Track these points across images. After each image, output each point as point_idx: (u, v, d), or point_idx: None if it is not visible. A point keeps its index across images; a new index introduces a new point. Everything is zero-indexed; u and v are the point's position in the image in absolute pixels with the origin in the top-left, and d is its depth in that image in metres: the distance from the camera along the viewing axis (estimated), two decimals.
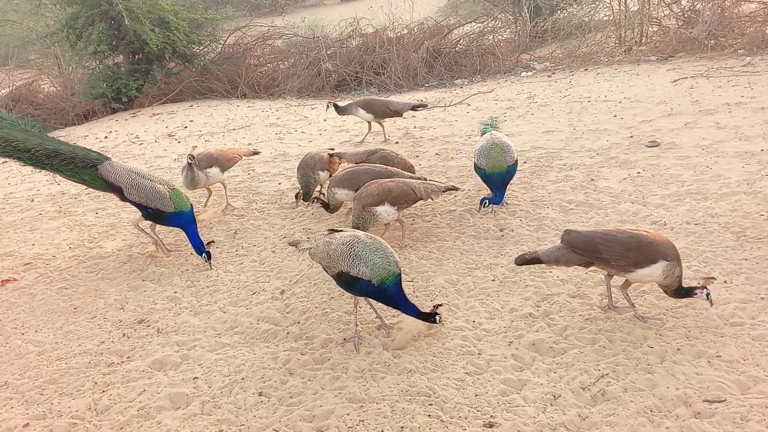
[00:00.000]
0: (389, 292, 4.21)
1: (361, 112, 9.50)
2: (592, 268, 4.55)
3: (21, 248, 6.83)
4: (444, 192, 6.01)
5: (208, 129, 12.25)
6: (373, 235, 4.44)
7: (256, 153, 8.59)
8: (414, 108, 9.66)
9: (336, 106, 9.73)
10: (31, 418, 3.98)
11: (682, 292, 4.25)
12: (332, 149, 7.43)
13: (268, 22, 18.98)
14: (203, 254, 5.83)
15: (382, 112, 9.51)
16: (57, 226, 7.44)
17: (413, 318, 4.34)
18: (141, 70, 15.58)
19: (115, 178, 5.91)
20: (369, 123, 9.80)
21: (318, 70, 15.72)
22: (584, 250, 4.29)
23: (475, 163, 6.33)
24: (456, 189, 6.19)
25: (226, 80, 16.16)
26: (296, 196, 6.96)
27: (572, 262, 4.41)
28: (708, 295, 4.19)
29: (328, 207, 6.35)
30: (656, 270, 4.14)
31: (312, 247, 4.58)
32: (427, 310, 4.34)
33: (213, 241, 6.01)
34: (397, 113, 9.58)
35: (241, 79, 16.01)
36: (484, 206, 6.13)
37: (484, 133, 6.69)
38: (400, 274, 4.27)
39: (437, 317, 4.31)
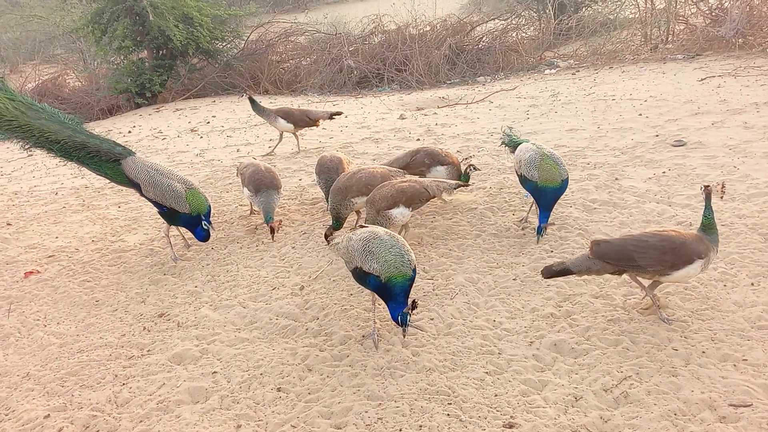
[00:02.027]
0: (393, 291, 4.11)
1: (281, 122, 9.26)
2: (624, 275, 4.41)
3: (44, 241, 6.91)
4: (456, 189, 6.00)
5: (230, 124, 12.31)
6: (393, 233, 4.39)
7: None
8: (331, 116, 9.52)
9: (253, 101, 9.47)
10: (52, 409, 4.01)
11: None
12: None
13: (291, 18, 19.05)
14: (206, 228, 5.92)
15: (302, 122, 9.34)
16: (80, 220, 7.51)
17: None
18: (165, 65, 15.71)
19: (135, 174, 5.91)
20: (281, 133, 9.59)
21: (340, 66, 15.73)
22: (618, 260, 4.16)
23: (522, 175, 5.76)
24: (467, 185, 6.29)
25: (249, 76, 16.23)
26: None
27: (604, 272, 4.28)
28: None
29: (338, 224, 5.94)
30: (693, 270, 4.11)
31: (338, 242, 4.58)
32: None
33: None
34: (315, 122, 9.43)
35: (263, 75, 16.06)
36: (541, 235, 5.52)
37: (515, 144, 6.24)
38: (412, 279, 4.17)
39: (401, 317, 4.04)
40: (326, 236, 5.88)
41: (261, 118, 9.78)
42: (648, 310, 4.41)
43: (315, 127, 9.97)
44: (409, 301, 4.08)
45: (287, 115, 9.31)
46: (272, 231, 6.14)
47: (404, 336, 4.25)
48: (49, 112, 6.05)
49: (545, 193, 5.52)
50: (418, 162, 6.53)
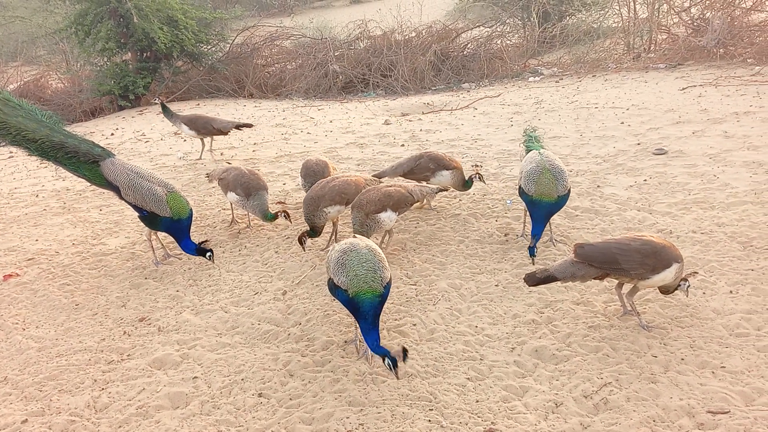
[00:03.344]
0: (360, 307, 3.95)
1: (185, 128, 9.37)
2: (606, 279, 4.42)
3: (24, 243, 6.83)
4: (437, 193, 6.10)
5: None
6: (374, 248, 4.26)
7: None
8: (238, 126, 9.55)
9: (164, 107, 9.54)
10: (30, 414, 3.96)
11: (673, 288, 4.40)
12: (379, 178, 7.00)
13: (277, 22, 18.99)
14: (207, 253, 5.70)
15: (205, 129, 9.41)
16: (61, 222, 7.43)
17: None
18: (149, 68, 15.61)
19: (114, 176, 5.79)
20: (202, 140, 9.76)
21: (325, 71, 15.73)
22: (602, 262, 4.18)
23: (520, 186, 5.65)
24: (447, 189, 6.43)
25: (234, 80, 16.18)
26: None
27: (589, 276, 4.27)
28: (687, 287, 4.36)
29: (314, 233, 5.82)
30: (670, 273, 4.17)
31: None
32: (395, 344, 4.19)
33: (207, 240, 5.86)
34: (220, 131, 9.48)
35: (248, 78, 16.02)
36: (534, 255, 5.26)
37: (529, 150, 6.08)
38: (383, 296, 4.02)
39: (389, 362, 3.72)
40: (300, 240, 5.67)
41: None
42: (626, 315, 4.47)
43: (223, 136, 9.94)
44: (400, 348, 3.73)
45: (191, 121, 9.39)
46: (287, 216, 6.24)
47: (398, 378, 3.87)
48: (26, 109, 5.92)
49: (539, 206, 5.43)
50: (422, 167, 6.48)
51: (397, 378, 3.86)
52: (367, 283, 3.98)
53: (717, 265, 5.06)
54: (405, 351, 3.72)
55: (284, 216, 6.22)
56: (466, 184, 6.55)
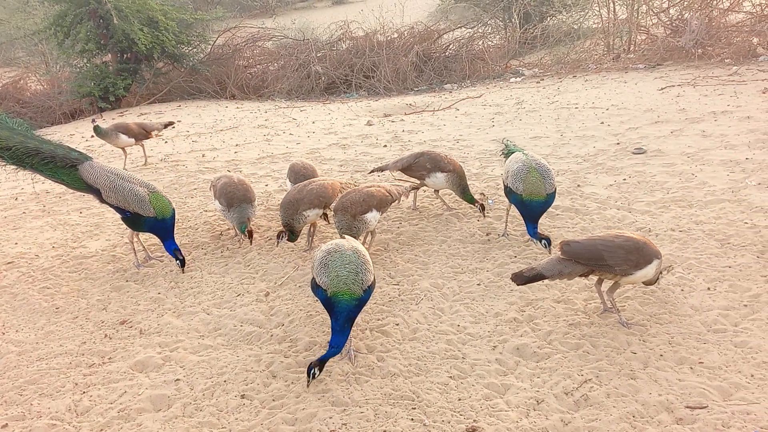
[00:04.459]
0: (335, 308, 3.97)
1: (122, 137, 9.25)
2: (591, 276, 4.49)
3: (3, 247, 6.75)
4: (410, 191, 6.26)
5: (195, 129, 12.20)
6: (360, 250, 4.27)
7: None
8: (165, 126, 9.91)
9: (96, 129, 9.29)
10: (10, 419, 3.92)
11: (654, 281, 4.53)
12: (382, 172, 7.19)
13: (259, 23, 18.97)
14: (177, 260, 5.70)
15: (141, 135, 9.42)
16: (40, 225, 7.37)
17: None
18: (129, 69, 15.51)
19: (94, 179, 5.73)
20: (124, 149, 9.67)
21: (308, 72, 15.74)
22: (588, 259, 4.23)
23: (507, 186, 5.67)
24: (419, 188, 6.57)
25: (215, 81, 16.14)
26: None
27: (575, 274, 4.31)
28: (659, 278, 4.55)
29: (293, 235, 5.83)
30: (651, 269, 4.26)
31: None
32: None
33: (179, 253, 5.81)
34: (150, 134, 9.53)
35: (230, 80, 15.99)
36: (549, 247, 5.33)
37: (510, 153, 6.12)
38: (361, 300, 4.03)
39: (313, 372, 3.87)
40: (278, 235, 5.75)
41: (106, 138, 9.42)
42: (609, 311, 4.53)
43: (149, 139, 9.84)
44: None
45: (126, 129, 9.31)
46: (250, 235, 6.03)
47: (307, 385, 3.97)
48: None
49: (531, 206, 5.45)
50: (420, 165, 6.46)
51: (307, 385, 3.95)
52: (346, 285, 3.99)
53: (695, 262, 5.13)
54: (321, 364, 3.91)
55: (246, 235, 6.03)
56: (465, 194, 6.37)
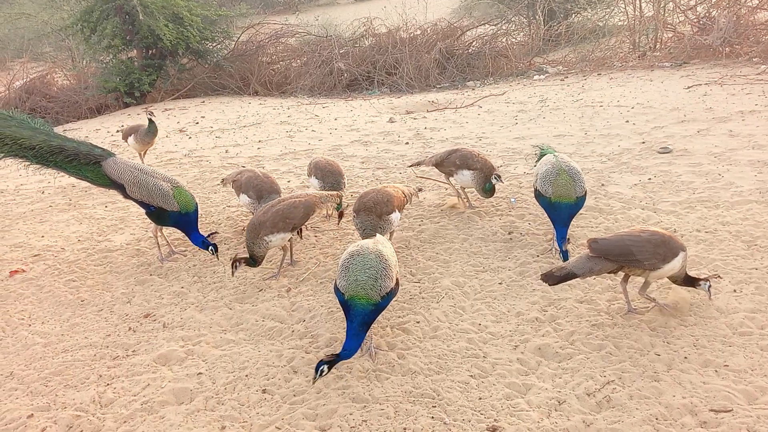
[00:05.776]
0: (351, 312, 3.96)
1: (131, 141, 9.20)
2: (619, 272, 4.48)
3: (30, 240, 6.86)
4: (418, 192, 6.41)
5: (219, 125, 12.29)
6: (384, 254, 4.19)
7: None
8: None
9: (151, 124, 9.02)
10: (36, 409, 3.99)
11: (688, 280, 4.45)
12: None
13: (282, 20, 19.07)
14: (209, 247, 5.73)
15: (147, 139, 9.24)
16: (66, 219, 7.47)
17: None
18: (154, 65, 15.66)
19: (118, 175, 5.82)
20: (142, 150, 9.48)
21: (330, 68, 15.76)
22: (618, 255, 4.23)
23: (536, 189, 5.57)
24: (421, 190, 6.80)
25: (239, 77, 16.23)
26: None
27: (605, 270, 4.31)
28: (709, 287, 4.42)
29: (255, 262, 5.35)
30: (678, 262, 4.26)
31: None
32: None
33: (216, 232, 5.82)
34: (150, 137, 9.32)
35: (253, 76, 16.07)
36: (567, 259, 4.96)
37: (543, 155, 6.01)
38: (378, 306, 4.00)
39: (321, 368, 3.81)
40: (232, 263, 5.24)
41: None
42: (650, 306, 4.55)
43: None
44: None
45: (134, 134, 9.18)
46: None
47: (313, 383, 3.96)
48: (18, 119, 5.95)
49: (559, 209, 5.32)
50: (450, 162, 6.48)
51: (313, 382, 3.92)
52: (364, 290, 3.98)
53: (721, 263, 5.06)
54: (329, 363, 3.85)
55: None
56: (485, 189, 6.30)
